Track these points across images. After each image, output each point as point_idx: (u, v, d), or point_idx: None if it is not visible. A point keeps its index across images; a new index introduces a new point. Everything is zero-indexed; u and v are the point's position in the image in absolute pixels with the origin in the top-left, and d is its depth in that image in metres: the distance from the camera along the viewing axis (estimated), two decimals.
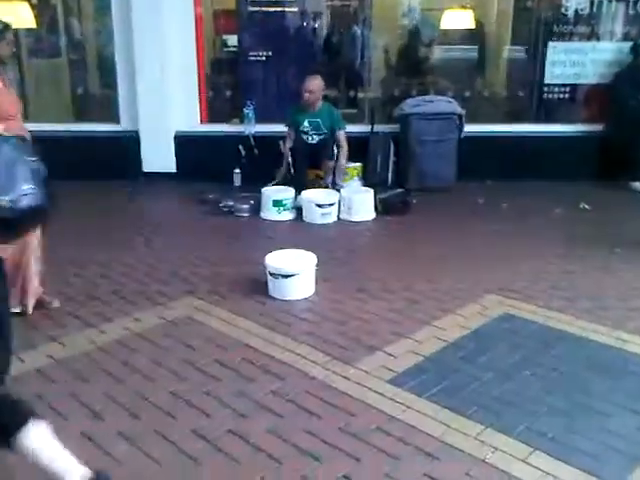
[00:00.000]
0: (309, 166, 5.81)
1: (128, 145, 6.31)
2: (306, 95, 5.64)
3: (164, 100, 6.28)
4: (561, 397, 2.76)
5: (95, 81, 7.31)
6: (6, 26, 3.27)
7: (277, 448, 2.43)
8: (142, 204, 5.88)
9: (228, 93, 6.86)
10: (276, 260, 3.80)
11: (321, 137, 5.75)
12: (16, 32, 6.86)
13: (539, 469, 2.31)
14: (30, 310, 3.48)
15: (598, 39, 6.66)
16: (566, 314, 3.55)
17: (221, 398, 2.75)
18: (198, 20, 6.40)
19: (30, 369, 2.96)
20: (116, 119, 6.51)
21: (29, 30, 6.87)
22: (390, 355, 3.10)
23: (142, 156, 6.35)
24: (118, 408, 2.68)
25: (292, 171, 5.70)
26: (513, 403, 2.71)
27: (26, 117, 7.08)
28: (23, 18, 6.33)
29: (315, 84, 5.66)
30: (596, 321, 3.47)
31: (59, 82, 7.31)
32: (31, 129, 6.74)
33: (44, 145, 6.69)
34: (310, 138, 5.77)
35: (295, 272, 3.70)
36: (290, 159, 5.72)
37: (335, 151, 5.74)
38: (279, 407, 2.69)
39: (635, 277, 4.09)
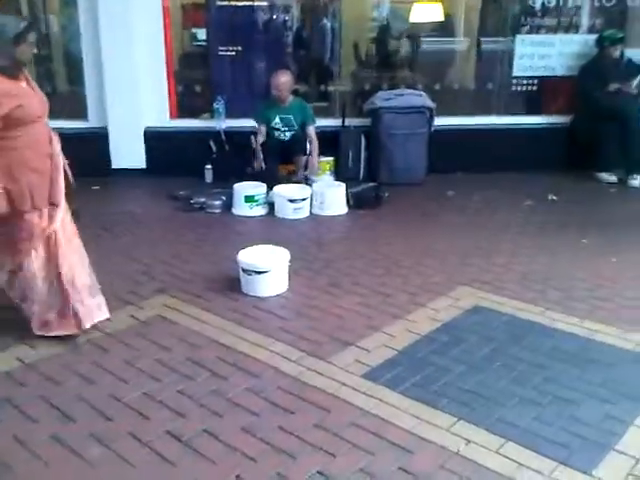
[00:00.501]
0: (281, 162, 5.81)
1: (97, 142, 6.22)
2: (275, 92, 5.63)
3: (133, 95, 6.20)
4: (531, 388, 2.80)
5: (62, 77, 7.19)
6: (28, 25, 3.02)
7: (252, 446, 2.42)
8: (111, 201, 5.81)
9: (198, 88, 6.79)
10: (249, 256, 3.79)
11: (292, 133, 5.75)
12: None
13: (512, 460, 2.34)
14: None
15: (565, 31, 6.74)
16: (536, 305, 3.60)
17: (195, 397, 2.74)
18: (166, 13, 6.31)
19: None
20: (84, 115, 6.41)
21: None
22: (363, 349, 3.12)
23: (111, 153, 6.27)
24: (90, 410, 2.65)
25: (263, 166, 5.67)
26: (484, 395, 2.75)
27: None
28: None
29: (283, 80, 5.63)
30: (565, 311, 3.52)
31: None
32: None
33: None
34: (282, 135, 5.76)
35: (268, 268, 3.69)
36: (261, 154, 5.69)
37: (308, 146, 5.73)
38: (253, 405, 2.68)
39: (602, 267, 4.16)
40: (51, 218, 3.08)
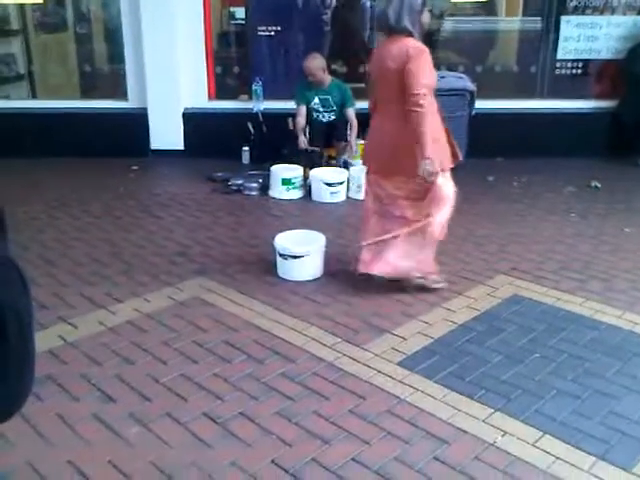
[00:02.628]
0: (322, 144, 5.76)
1: (136, 122, 6.27)
2: (310, 78, 5.59)
3: (172, 76, 6.22)
4: (570, 380, 2.76)
5: (103, 56, 7.25)
6: None
7: (287, 431, 2.45)
8: (150, 182, 5.86)
9: (236, 68, 6.79)
10: (285, 240, 3.80)
11: (331, 115, 5.70)
12: (22, 7, 6.87)
13: (549, 453, 2.32)
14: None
15: (612, 13, 6.53)
16: (576, 295, 3.54)
17: (231, 380, 2.77)
18: None
19: (42, 350, 2.97)
20: (124, 96, 6.46)
21: (35, 4, 6.82)
22: (399, 337, 3.11)
23: (150, 133, 6.32)
24: (129, 390, 2.70)
25: (307, 146, 5.62)
26: (522, 386, 2.72)
27: (34, 94, 7.12)
28: None
29: (313, 65, 5.56)
30: (606, 302, 3.46)
31: (66, 57, 7.26)
32: (38, 106, 6.73)
33: (51, 122, 6.66)
34: (321, 116, 5.72)
35: (304, 253, 3.69)
36: (307, 135, 5.64)
37: (348, 131, 5.67)
38: (289, 389, 2.70)
39: None
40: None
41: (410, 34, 3.24)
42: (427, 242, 3.39)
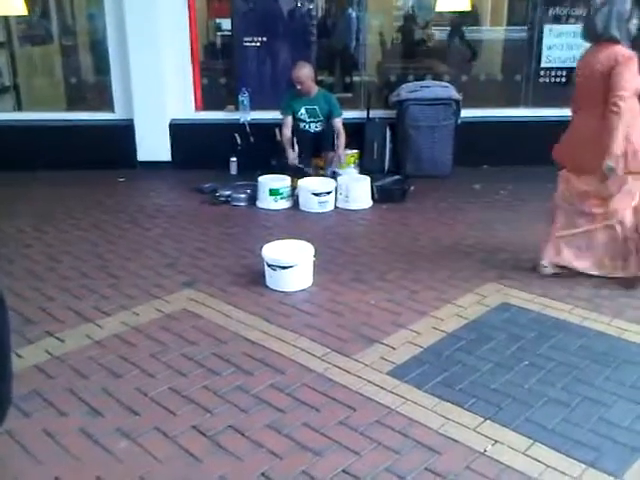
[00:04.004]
0: (310, 155, 5.77)
1: (123, 134, 6.25)
2: (298, 86, 5.60)
3: (158, 87, 6.21)
4: (560, 388, 2.77)
5: (89, 68, 7.24)
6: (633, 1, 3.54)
7: (277, 443, 2.43)
8: (137, 194, 5.83)
9: (222, 79, 6.80)
10: (273, 251, 3.79)
11: (318, 125, 5.71)
12: (7, 19, 6.84)
13: (539, 461, 2.31)
14: None
15: None
16: (565, 303, 3.55)
17: (221, 393, 2.74)
18: (191, 3, 6.28)
19: (28, 365, 2.95)
20: (110, 107, 6.44)
21: (20, 17, 6.80)
22: (389, 347, 3.10)
23: (137, 145, 6.30)
24: (117, 404, 2.67)
25: (296, 161, 5.63)
26: (512, 394, 2.72)
27: (19, 106, 7.10)
28: (13, 5, 6.26)
29: (303, 73, 5.58)
30: (594, 309, 3.47)
31: (52, 69, 7.24)
32: (24, 118, 6.71)
33: (37, 134, 6.66)
34: (307, 126, 5.72)
35: (293, 263, 3.69)
36: (297, 146, 5.65)
37: (335, 141, 5.67)
38: (278, 401, 2.68)
39: None
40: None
41: (617, 42, 3.41)
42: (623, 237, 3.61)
